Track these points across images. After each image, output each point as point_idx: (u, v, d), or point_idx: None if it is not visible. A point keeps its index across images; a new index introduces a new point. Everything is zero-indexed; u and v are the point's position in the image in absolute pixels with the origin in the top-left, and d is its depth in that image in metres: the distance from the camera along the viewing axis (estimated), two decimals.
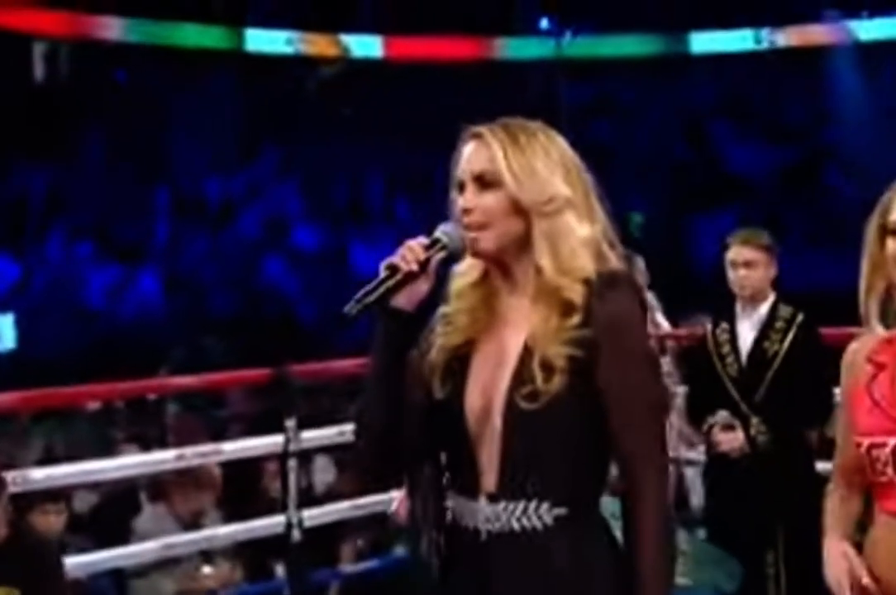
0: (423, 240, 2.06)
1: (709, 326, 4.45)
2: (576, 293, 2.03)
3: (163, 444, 6.56)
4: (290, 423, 4.71)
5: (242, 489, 5.61)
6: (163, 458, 4.77)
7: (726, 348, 4.35)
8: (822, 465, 4.10)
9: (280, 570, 5.09)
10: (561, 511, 2.03)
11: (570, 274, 2.03)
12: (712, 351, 4.37)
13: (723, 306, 4.47)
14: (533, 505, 2.02)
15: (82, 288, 14.36)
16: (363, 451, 2.09)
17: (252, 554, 5.21)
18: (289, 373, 4.76)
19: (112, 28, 15.77)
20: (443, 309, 2.13)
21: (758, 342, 4.30)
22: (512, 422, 2.02)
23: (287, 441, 4.72)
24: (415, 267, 2.03)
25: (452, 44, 16.73)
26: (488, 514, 2.04)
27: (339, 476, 6.16)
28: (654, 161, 15.84)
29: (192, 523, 5.05)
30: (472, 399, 2.06)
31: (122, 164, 16.15)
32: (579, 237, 2.05)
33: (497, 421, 2.04)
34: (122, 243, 15.00)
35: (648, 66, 16.89)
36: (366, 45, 16.91)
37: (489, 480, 2.05)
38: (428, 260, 2.04)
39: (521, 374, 2.02)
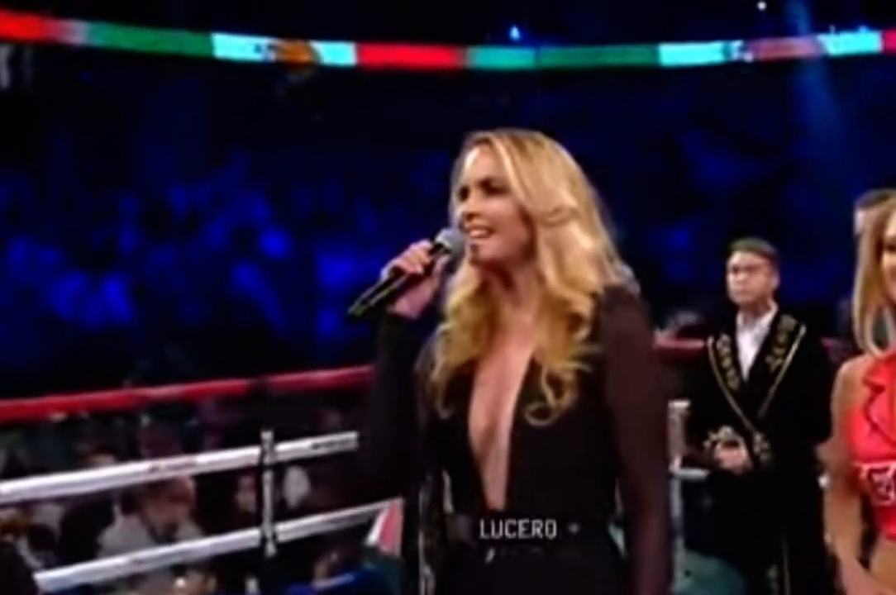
0: (425, 244, 2.02)
1: (709, 340, 4.36)
2: (584, 306, 1.99)
3: (133, 456, 6.45)
4: (267, 435, 4.61)
5: (216, 502, 5.52)
6: (135, 471, 4.66)
7: (727, 362, 4.26)
8: (825, 481, 4.02)
9: (253, 584, 5.01)
10: (570, 529, 1.98)
11: (574, 285, 2.00)
12: (713, 364, 4.28)
13: (723, 319, 4.38)
14: (541, 523, 1.98)
15: (47, 296, 14.17)
16: (365, 461, 2.03)
17: (225, 568, 5.13)
18: (268, 384, 4.67)
19: (77, 32, 15.59)
20: (442, 326, 2.08)
21: (760, 356, 4.22)
22: (520, 439, 1.98)
23: (263, 453, 4.63)
24: (419, 269, 1.99)
25: (425, 52, 16.68)
26: (494, 535, 1.99)
27: (312, 489, 6.08)
28: (627, 172, 15.84)
29: (165, 536, 4.96)
30: (477, 418, 2.02)
31: (88, 170, 15.99)
32: (583, 249, 2.03)
33: (503, 440, 1.99)
34: (89, 251, 14.83)
35: (621, 77, 16.91)
36: (338, 53, 16.82)
37: (495, 500, 2.00)
38: (432, 263, 2.01)
39: (529, 391, 1.98)
